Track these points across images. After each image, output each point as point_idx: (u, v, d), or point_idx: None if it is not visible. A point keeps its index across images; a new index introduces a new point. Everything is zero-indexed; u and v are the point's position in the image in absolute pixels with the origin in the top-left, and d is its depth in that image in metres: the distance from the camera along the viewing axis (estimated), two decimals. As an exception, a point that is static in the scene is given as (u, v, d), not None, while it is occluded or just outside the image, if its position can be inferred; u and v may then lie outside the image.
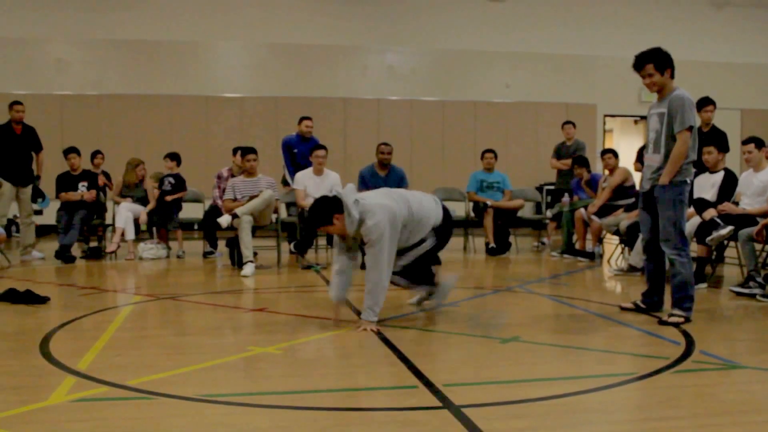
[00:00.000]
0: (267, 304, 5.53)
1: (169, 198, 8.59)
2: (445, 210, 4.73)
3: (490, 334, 4.40)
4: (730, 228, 5.64)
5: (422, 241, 4.55)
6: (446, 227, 4.68)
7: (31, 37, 12.15)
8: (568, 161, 9.31)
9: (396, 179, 7.93)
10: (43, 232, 9.35)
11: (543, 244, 9.76)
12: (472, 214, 9.16)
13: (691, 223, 5.82)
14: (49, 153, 8.55)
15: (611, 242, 8.62)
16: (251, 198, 7.43)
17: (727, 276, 6.81)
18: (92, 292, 5.95)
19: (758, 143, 6.19)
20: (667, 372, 3.38)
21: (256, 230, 7.44)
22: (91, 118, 12.12)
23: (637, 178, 7.23)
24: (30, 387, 3.18)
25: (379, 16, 13.17)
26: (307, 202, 7.66)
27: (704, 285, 5.96)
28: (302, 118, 8.96)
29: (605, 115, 14.03)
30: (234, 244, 7.48)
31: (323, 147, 8.02)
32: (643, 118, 12.81)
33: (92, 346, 3.89)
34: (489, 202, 8.87)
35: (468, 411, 2.77)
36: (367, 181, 7.89)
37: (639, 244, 6.41)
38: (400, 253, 4.50)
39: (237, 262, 7.41)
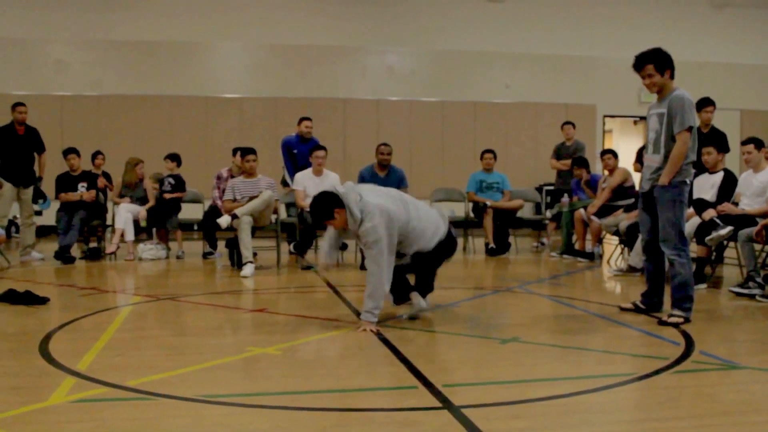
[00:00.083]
0: (266, 305, 5.53)
1: (167, 196, 8.60)
2: (450, 232, 4.62)
3: (490, 334, 4.40)
4: (729, 228, 5.64)
5: (401, 255, 4.47)
6: (445, 247, 4.59)
7: (30, 38, 12.15)
8: (568, 162, 9.31)
9: (396, 180, 7.93)
10: (42, 232, 9.34)
11: (542, 244, 9.76)
12: (472, 215, 9.16)
13: (691, 224, 5.83)
14: (49, 153, 8.54)
15: (611, 243, 8.63)
16: (251, 198, 7.43)
17: (727, 276, 6.81)
18: (92, 293, 5.95)
19: (758, 144, 6.19)
20: (666, 372, 3.38)
21: (256, 231, 7.44)
22: (90, 118, 12.11)
23: (636, 178, 7.23)
24: (30, 387, 3.18)
25: (379, 16, 13.17)
26: (307, 203, 7.67)
27: (704, 285, 5.96)
28: (302, 119, 8.96)
29: (605, 116, 14.03)
30: (233, 245, 7.48)
31: (323, 147, 8.02)
32: (643, 118, 12.82)
33: (92, 346, 3.89)
34: (488, 203, 8.87)
35: (468, 411, 2.77)
36: (366, 182, 7.88)
37: (638, 245, 6.41)
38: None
39: (237, 262, 7.41)
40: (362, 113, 12.99)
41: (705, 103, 7.36)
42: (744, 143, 6.29)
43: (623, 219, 7.25)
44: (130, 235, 8.22)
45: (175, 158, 8.89)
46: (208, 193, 8.87)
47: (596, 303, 5.39)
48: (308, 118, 8.98)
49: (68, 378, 3.25)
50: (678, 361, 3.57)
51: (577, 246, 8.33)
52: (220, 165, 9.05)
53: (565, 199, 8.86)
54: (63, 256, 7.95)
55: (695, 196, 6.13)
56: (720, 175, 6.34)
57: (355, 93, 13.03)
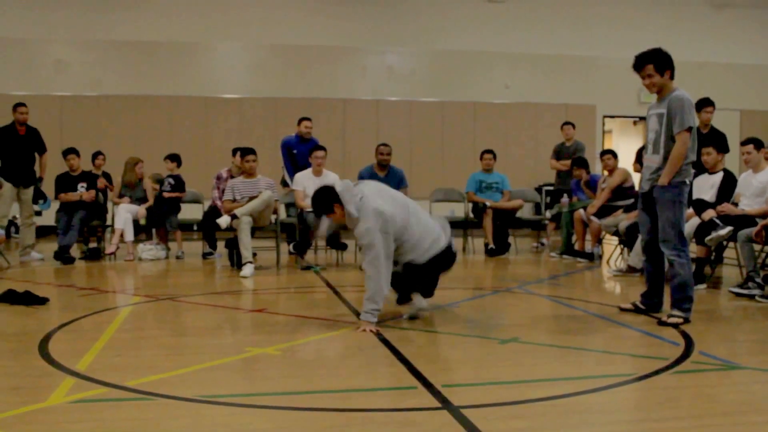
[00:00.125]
0: (266, 305, 5.53)
1: (166, 194, 8.60)
2: (449, 246, 4.59)
3: (490, 334, 4.40)
4: (729, 228, 5.65)
5: (394, 263, 4.43)
6: (440, 262, 4.55)
7: (30, 38, 12.14)
8: (568, 162, 9.32)
9: (395, 180, 7.92)
10: (42, 233, 9.34)
11: (542, 244, 9.76)
12: (471, 215, 9.16)
13: (691, 224, 5.83)
14: (49, 154, 8.54)
15: (610, 243, 8.62)
16: (250, 199, 7.43)
17: (726, 277, 6.81)
18: (91, 293, 5.94)
19: (757, 144, 6.19)
20: (666, 373, 3.39)
21: (256, 231, 7.44)
22: (90, 118, 12.11)
23: (636, 178, 7.23)
24: (29, 388, 3.18)
25: (379, 16, 13.17)
26: (306, 203, 7.67)
27: (703, 286, 5.97)
28: (301, 119, 8.96)
29: (604, 116, 14.03)
30: (233, 245, 7.48)
31: (322, 148, 8.02)
32: (643, 119, 12.85)
33: (91, 347, 3.89)
34: (488, 203, 8.86)
35: (467, 411, 2.77)
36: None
37: (638, 245, 6.41)
38: None
39: (236, 262, 7.41)
40: (362, 113, 12.99)
41: (704, 104, 7.37)
42: (743, 143, 6.29)
43: (623, 219, 7.25)
44: (129, 236, 8.22)
45: (175, 158, 8.90)
46: (208, 194, 8.87)
47: (596, 303, 5.39)
48: (308, 119, 8.97)
49: (68, 378, 3.25)
50: (678, 362, 3.58)
51: (576, 246, 8.33)
52: (220, 165, 9.05)
53: (565, 199, 8.86)
54: (62, 256, 7.95)
55: (695, 196, 6.13)
56: (719, 176, 6.34)
57: (354, 93, 13.03)
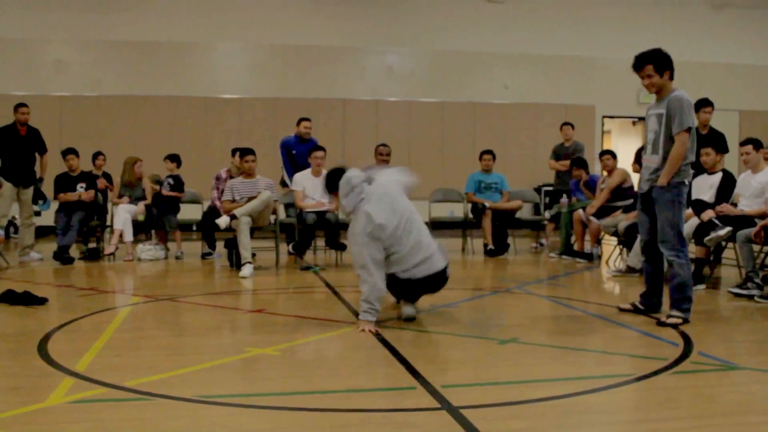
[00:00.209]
0: (265, 305, 5.53)
1: (165, 193, 8.60)
2: (444, 270, 4.56)
3: (489, 335, 4.40)
4: (728, 229, 5.65)
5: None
6: (426, 283, 4.51)
7: (30, 38, 12.14)
8: (567, 162, 9.32)
9: (395, 180, 7.92)
10: (41, 233, 9.33)
11: (541, 245, 9.76)
12: (471, 216, 9.15)
13: (690, 224, 5.83)
14: (48, 154, 8.54)
15: (610, 243, 8.63)
16: (250, 199, 7.42)
17: (726, 277, 6.82)
18: (91, 293, 5.94)
19: (756, 144, 6.19)
20: (665, 373, 3.39)
21: (255, 231, 7.44)
22: (90, 119, 12.11)
23: (635, 179, 7.23)
24: (28, 388, 3.18)
25: (379, 16, 13.17)
26: (306, 204, 7.67)
27: (702, 286, 5.97)
28: (301, 119, 8.95)
29: (604, 117, 14.03)
30: (232, 245, 7.48)
31: (322, 148, 8.02)
32: (642, 119, 12.82)
33: (91, 347, 3.88)
34: (487, 203, 8.86)
35: (466, 412, 2.77)
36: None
37: (637, 246, 6.41)
38: None
39: (235, 263, 7.40)
40: (361, 114, 13.00)
41: (703, 104, 7.36)
42: (743, 144, 6.28)
43: (622, 220, 7.26)
44: (128, 236, 8.21)
45: (174, 159, 8.90)
46: (207, 194, 8.87)
47: (595, 304, 5.39)
48: (307, 119, 8.97)
49: (67, 378, 3.25)
50: (677, 362, 3.58)
51: (575, 247, 8.33)
52: (220, 165, 9.05)
53: (564, 199, 8.86)
54: (62, 256, 7.95)
55: (694, 196, 6.13)
56: (719, 176, 6.34)
57: (354, 93, 13.04)
